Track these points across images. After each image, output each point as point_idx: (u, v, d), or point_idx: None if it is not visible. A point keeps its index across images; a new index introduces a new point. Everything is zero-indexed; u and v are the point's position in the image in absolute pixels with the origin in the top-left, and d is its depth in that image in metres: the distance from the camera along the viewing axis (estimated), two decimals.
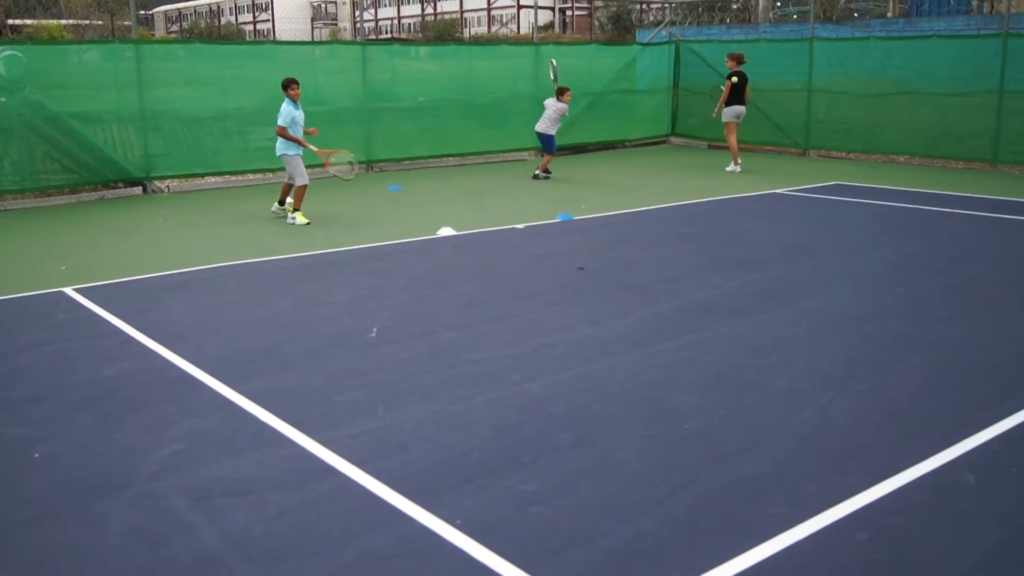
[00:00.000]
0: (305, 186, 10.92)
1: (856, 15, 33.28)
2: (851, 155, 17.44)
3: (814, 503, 3.96)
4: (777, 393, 5.29)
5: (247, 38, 67.09)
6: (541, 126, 14.84)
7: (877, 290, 7.56)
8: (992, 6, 25.73)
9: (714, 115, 15.97)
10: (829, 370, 5.67)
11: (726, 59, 15.96)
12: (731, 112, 15.69)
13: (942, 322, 6.67)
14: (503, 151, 17.69)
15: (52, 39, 28.88)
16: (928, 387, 5.39)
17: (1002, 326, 6.59)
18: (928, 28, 20.37)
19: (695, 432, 4.75)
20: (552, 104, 14.72)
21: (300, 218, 10.83)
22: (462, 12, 75.79)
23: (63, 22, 41.67)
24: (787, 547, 3.62)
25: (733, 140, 15.84)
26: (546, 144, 14.92)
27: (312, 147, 11.14)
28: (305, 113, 11.15)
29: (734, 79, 15.47)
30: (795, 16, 34.68)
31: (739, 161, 15.75)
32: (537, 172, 14.86)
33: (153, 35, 63.93)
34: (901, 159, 16.78)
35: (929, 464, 4.34)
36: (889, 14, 32.00)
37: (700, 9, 37.43)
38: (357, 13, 19.42)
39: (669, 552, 3.59)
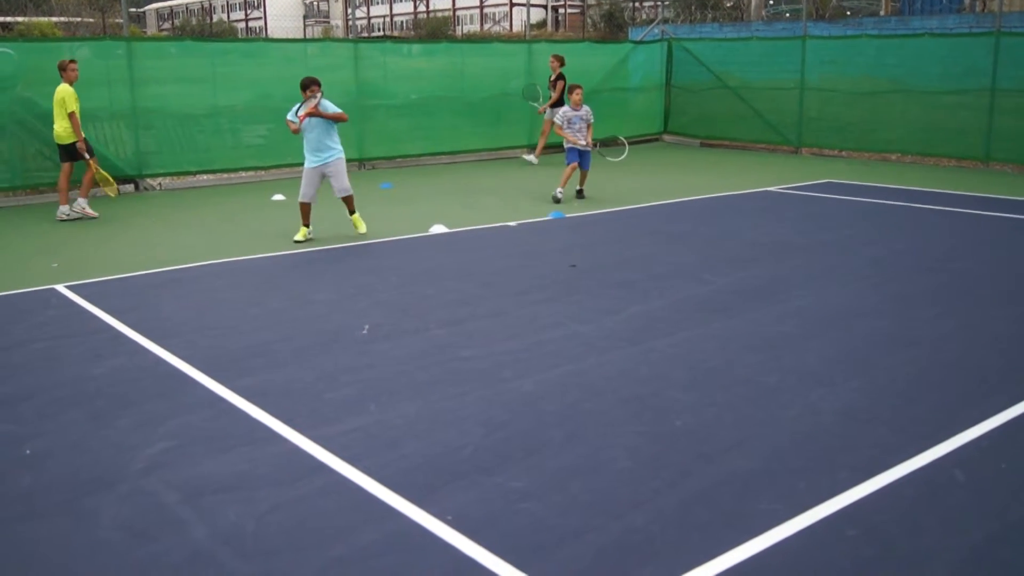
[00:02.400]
0: (302, 203, 9.65)
1: (848, 13, 33.32)
2: (843, 153, 17.48)
3: (804, 499, 3.97)
4: (767, 390, 5.30)
5: (239, 36, 66.91)
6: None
7: (868, 288, 7.58)
8: (984, 5, 25.78)
9: (541, 110, 16.48)
10: (819, 367, 5.69)
11: (553, 60, 16.26)
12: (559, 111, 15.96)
13: (932, 319, 6.70)
14: (495, 149, 17.69)
15: (43, 36, 28.78)
16: (917, 384, 5.41)
17: (991, 323, 6.61)
18: (920, 26, 20.40)
19: (686, 429, 4.76)
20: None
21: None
22: (454, 10, 75.73)
23: (54, 19, 41.51)
24: (777, 543, 3.63)
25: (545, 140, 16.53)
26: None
27: None
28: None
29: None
30: (787, 14, 34.71)
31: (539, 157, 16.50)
32: (557, 191, 12.60)
33: (145, 32, 63.75)
34: (893, 157, 16.81)
35: (918, 461, 4.36)
36: (882, 12, 32.05)
37: (693, 7, 37.44)
38: (349, 10, 19.39)
39: (660, 548, 3.60)
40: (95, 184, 11.42)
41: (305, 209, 9.62)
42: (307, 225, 9.65)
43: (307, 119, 9.49)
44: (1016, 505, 3.95)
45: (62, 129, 11.08)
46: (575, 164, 12.38)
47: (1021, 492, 4.07)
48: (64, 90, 11.02)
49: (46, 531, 3.79)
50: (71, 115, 10.97)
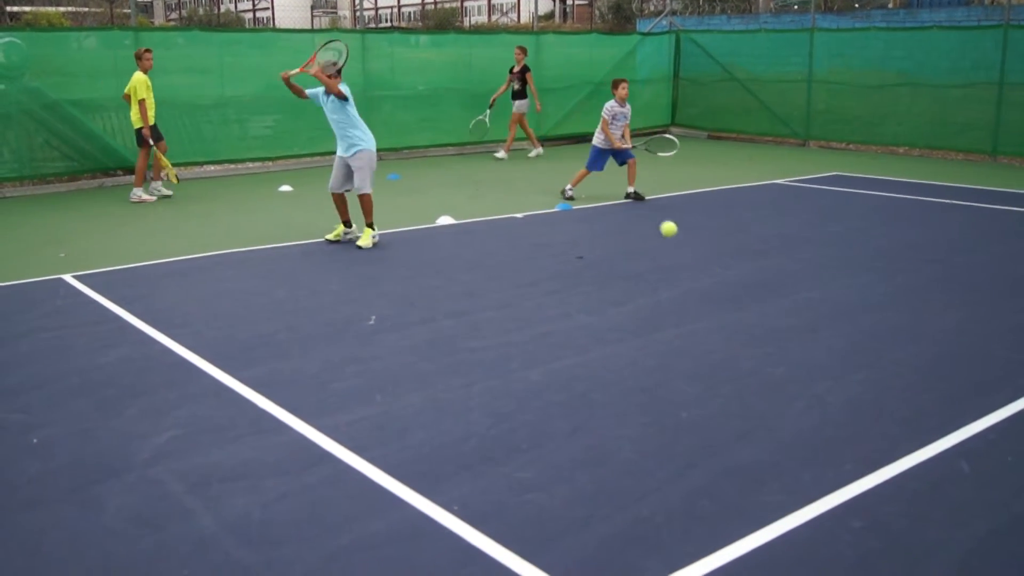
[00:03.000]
0: (332, 194, 9.15)
1: (857, 5, 33.21)
2: (851, 146, 17.42)
3: (810, 491, 3.97)
4: (774, 382, 5.30)
5: (246, 26, 66.90)
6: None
7: (875, 280, 7.57)
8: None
9: (538, 108, 16.40)
10: (826, 360, 5.68)
11: (517, 51, 15.99)
12: (526, 104, 16.09)
13: (939, 312, 6.68)
14: (503, 140, 17.65)
15: (51, 26, 28.81)
16: (924, 376, 5.41)
17: (999, 316, 6.60)
18: (929, 19, 20.35)
19: (692, 420, 4.76)
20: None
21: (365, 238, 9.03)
22: (462, 1, 75.59)
23: (62, 9, 41.56)
24: (783, 535, 3.63)
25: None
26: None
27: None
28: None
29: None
30: (796, 6, 34.60)
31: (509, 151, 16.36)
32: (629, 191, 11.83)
33: (152, 22, 63.74)
34: (901, 150, 16.77)
35: (924, 453, 4.35)
36: (890, 4, 31.95)
37: None
38: (357, 1, 19.36)
39: (665, 539, 3.61)
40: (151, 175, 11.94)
41: (336, 201, 9.07)
42: (345, 223, 9.08)
43: (325, 101, 8.76)
44: (1022, 498, 3.95)
45: (134, 116, 11.56)
46: (589, 172, 11.65)
47: None
48: (136, 78, 11.45)
49: (53, 519, 3.81)
50: (140, 103, 11.43)
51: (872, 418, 4.80)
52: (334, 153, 9.08)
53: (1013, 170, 14.66)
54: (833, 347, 5.92)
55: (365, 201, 8.91)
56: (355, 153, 8.79)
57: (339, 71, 8.66)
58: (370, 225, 8.97)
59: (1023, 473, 4.18)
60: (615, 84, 11.66)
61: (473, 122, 16.08)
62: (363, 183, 8.83)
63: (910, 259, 8.32)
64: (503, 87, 15.98)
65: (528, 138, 16.64)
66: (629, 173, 11.66)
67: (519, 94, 15.92)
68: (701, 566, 3.42)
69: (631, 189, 11.66)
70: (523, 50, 16.01)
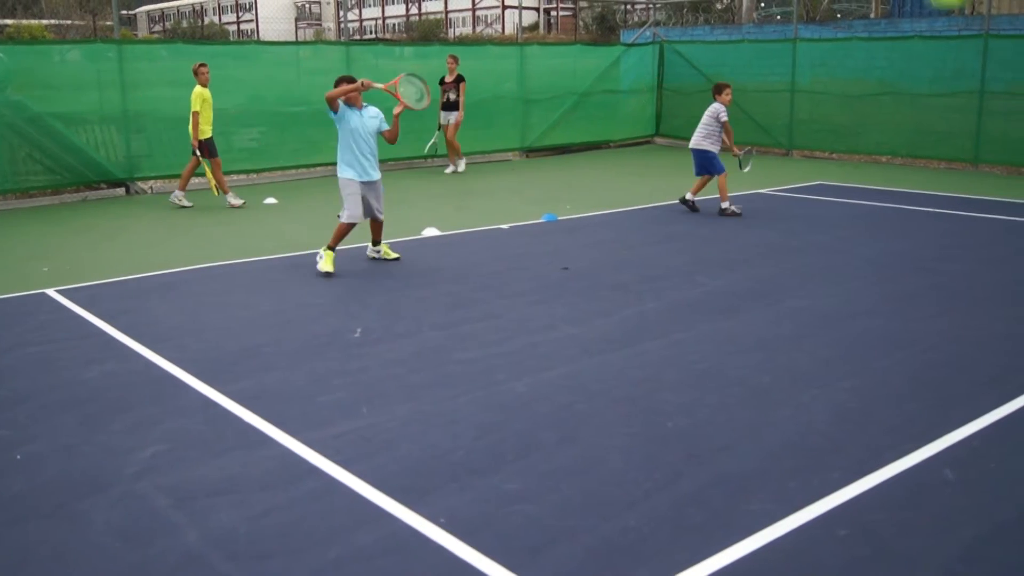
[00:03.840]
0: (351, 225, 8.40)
1: (839, 16, 33.45)
2: (834, 155, 17.52)
3: (796, 499, 3.98)
4: (760, 391, 5.32)
5: (231, 38, 66.84)
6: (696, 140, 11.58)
7: (860, 288, 7.61)
8: (973, 7, 25.89)
9: (459, 120, 15.71)
10: (812, 368, 5.71)
11: (450, 59, 15.56)
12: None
13: (923, 320, 6.72)
14: (488, 152, 17.69)
15: (33, 39, 28.72)
16: (909, 384, 5.43)
17: (983, 324, 6.64)
18: (910, 29, 20.46)
19: (678, 430, 4.77)
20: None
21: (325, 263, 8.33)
22: (447, 12, 75.74)
23: (44, 22, 41.44)
24: (769, 543, 3.64)
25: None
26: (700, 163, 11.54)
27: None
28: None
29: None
30: (778, 17, 34.83)
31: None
32: (687, 197, 11.55)
33: (136, 35, 63.63)
34: (884, 159, 16.87)
35: (909, 460, 4.37)
36: (872, 15, 32.18)
37: (684, 10, 37.53)
38: (341, 13, 19.36)
39: (652, 548, 3.61)
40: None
41: (346, 232, 8.40)
42: (334, 248, 8.35)
43: (362, 122, 8.23)
44: (1006, 504, 3.97)
45: (191, 127, 11.93)
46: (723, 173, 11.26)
47: (1011, 492, 4.09)
48: (194, 92, 11.83)
49: (38, 535, 3.79)
50: (193, 115, 11.82)
51: (858, 426, 4.82)
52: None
53: (995, 178, 14.77)
54: (819, 355, 5.94)
55: (381, 226, 8.79)
56: (377, 180, 8.45)
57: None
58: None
59: (1007, 480, 4.20)
60: (723, 88, 11.37)
61: (427, 147, 15.68)
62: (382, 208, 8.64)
63: (894, 267, 8.37)
64: (439, 99, 15.11)
65: (451, 151, 15.88)
66: (701, 184, 11.43)
67: (454, 105, 15.49)
68: (689, 575, 3.42)
69: (691, 196, 11.44)
70: (455, 59, 15.57)
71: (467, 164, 16.20)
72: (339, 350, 6.13)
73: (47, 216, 11.78)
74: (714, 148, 11.28)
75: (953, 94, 15.83)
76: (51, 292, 7.70)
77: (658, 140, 20.58)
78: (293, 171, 15.23)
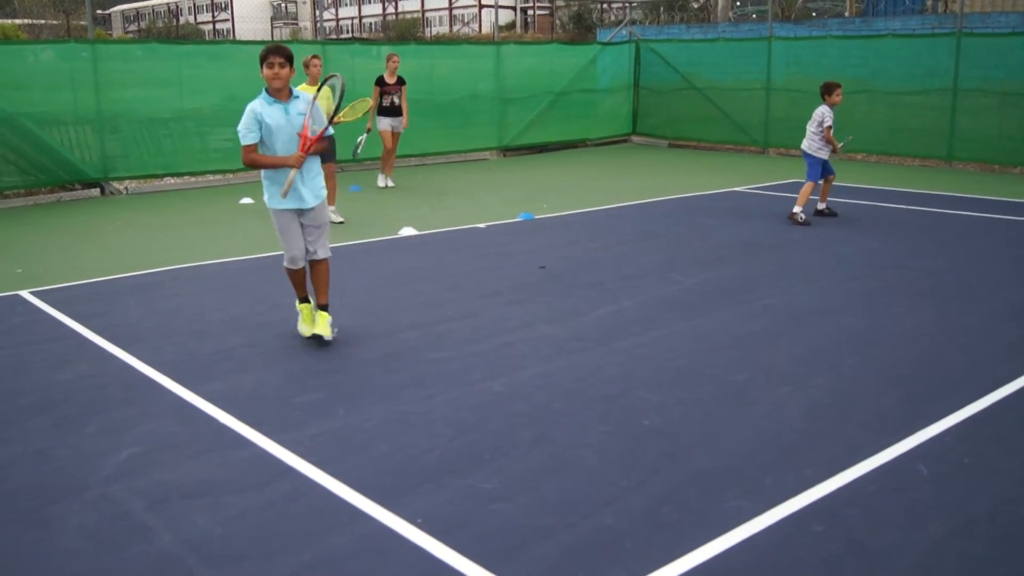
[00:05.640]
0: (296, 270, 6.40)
1: (814, 14, 33.63)
2: None
3: (771, 496, 4.01)
4: (735, 388, 5.34)
5: (206, 38, 66.47)
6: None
7: (834, 286, 7.66)
8: (946, 6, 26.12)
9: (404, 125, 13.81)
10: (786, 365, 5.74)
11: (395, 59, 13.62)
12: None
13: (897, 317, 6.77)
14: (464, 151, 17.69)
15: (6, 39, 28.45)
16: (882, 380, 5.47)
17: (955, 320, 6.70)
18: (884, 27, 20.63)
19: (654, 428, 4.79)
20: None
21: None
22: (423, 12, 75.60)
23: (17, 21, 41.10)
24: (745, 539, 3.66)
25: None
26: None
27: None
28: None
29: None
30: (754, 16, 34.99)
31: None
32: (820, 208, 11.12)
33: (110, 35, 63.17)
34: (859, 157, 16.98)
35: (883, 456, 4.41)
36: (846, 13, 32.37)
37: (660, 9, 37.63)
38: (317, 12, 19.30)
39: (629, 546, 3.62)
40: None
41: (300, 276, 6.36)
42: (306, 298, 6.43)
43: (289, 112, 5.93)
44: (978, 499, 4.01)
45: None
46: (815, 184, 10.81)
47: (983, 486, 4.13)
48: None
49: (11, 540, 3.75)
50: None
51: (832, 423, 4.85)
52: None
53: (968, 175, 14.91)
54: (793, 353, 5.98)
55: (328, 269, 6.40)
56: (319, 204, 6.19)
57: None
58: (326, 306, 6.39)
59: (979, 475, 4.24)
60: (833, 88, 10.65)
61: (358, 148, 12.87)
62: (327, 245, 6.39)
63: (868, 264, 8.42)
64: (373, 102, 12.95)
65: (389, 163, 14.13)
66: (827, 188, 11.02)
67: (397, 110, 13.60)
68: (665, 573, 3.43)
69: (823, 205, 11.04)
70: (396, 58, 13.68)
71: (444, 163, 16.13)
72: (315, 351, 6.10)
73: (21, 217, 11.68)
74: (824, 153, 10.73)
75: (927, 92, 15.97)
76: (25, 294, 7.63)
77: (635, 139, 20.63)
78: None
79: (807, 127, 10.85)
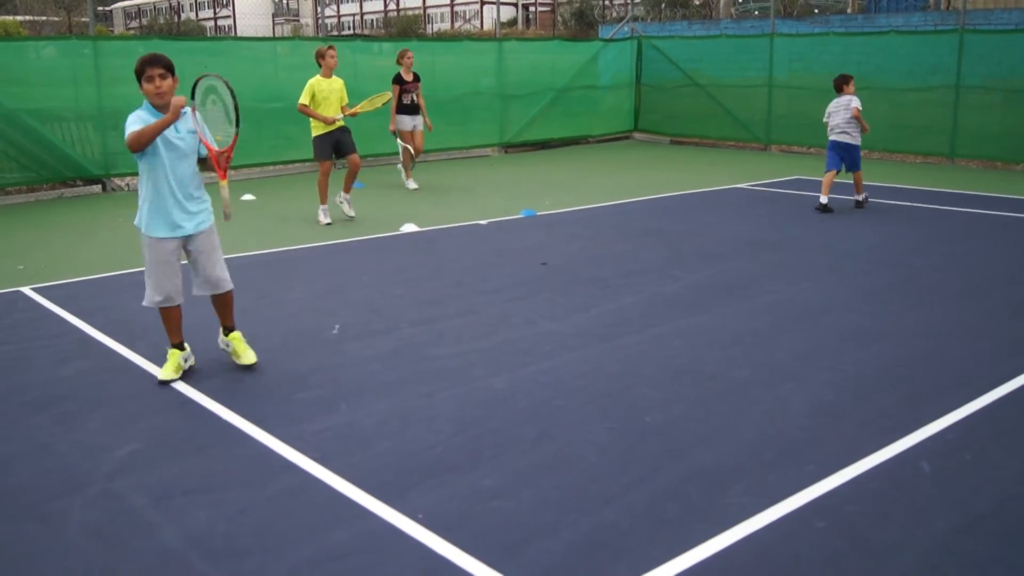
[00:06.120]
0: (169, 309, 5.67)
1: (816, 11, 33.60)
2: (812, 150, 17.60)
3: (773, 492, 4.00)
4: (737, 385, 5.34)
5: (207, 34, 66.45)
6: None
7: (837, 282, 7.65)
8: (948, 2, 26.07)
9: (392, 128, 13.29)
10: (788, 362, 5.73)
11: (410, 56, 13.34)
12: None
13: (899, 314, 6.77)
14: (466, 147, 17.68)
15: (8, 35, 28.45)
16: (885, 377, 5.47)
17: (957, 317, 6.69)
18: (886, 24, 20.60)
19: (656, 425, 4.79)
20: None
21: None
22: (425, 8, 75.58)
23: (19, 18, 41.10)
24: (747, 536, 3.66)
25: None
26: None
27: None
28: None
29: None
30: (756, 12, 34.95)
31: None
32: (859, 198, 11.39)
33: (112, 31, 63.14)
34: (861, 153, 16.94)
35: (885, 453, 4.40)
36: (848, 10, 32.34)
37: (662, 5, 37.58)
38: (319, 9, 19.28)
39: (631, 543, 3.62)
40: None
41: (174, 317, 5.62)
42: (180, 345, 5.61)
43: (173, 140, 5.32)
44: (981, 496, 4.00)
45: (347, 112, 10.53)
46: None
47: (986, 483, 4.13)
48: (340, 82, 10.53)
49: (13, 535, 3.76)
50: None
51: (834, 419, 4.85)
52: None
53: (970, 172, 14.89)
54: (795, 349, 5.97)
55: (231, 299, 5.83)
56: (209, 225, 5.64)
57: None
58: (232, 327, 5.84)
59: (981, 472, 4.24)
60: (849, 79, 11.29)
61: (406, 163, 13.37)
62: (227, 272, 5.78)
63: (871, 261, 8.42)
64: (393, 101, 12.93)
65: (408, 161, 13.61)
66: (857, 180, 11.31)
67: (416, 108, 13.32)
68: (667, 569, 3.43)
69: (858, 195, 11.32)
70: (410, 55, 13.40)
71: (446, 159, 16.13)
72: (317, 347, 6.11)
73: (22, 213, 11.68)
74: (857, 140, 11.13)
75: (929, 89, 15.94)
76: (26, 290, 7.64)
77: (636, 136, 20.61)
78: (271, 167, 15.16)
79: (837, 123, 11.20)
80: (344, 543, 3.65)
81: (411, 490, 4.07)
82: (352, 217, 10.62)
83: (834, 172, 11.11)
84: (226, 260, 5.79)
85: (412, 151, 13.39)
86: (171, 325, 5.58)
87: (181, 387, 5.37)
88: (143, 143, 5.14)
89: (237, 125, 5.55)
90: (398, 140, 13.27)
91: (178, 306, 5.58)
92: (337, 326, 6.52)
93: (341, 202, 10.65)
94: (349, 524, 3.79)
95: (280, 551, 3.59)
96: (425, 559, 3.53)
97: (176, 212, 5.40)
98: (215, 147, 5.46)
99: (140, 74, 5.27)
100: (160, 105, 5.25)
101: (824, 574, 3.42)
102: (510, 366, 5.68)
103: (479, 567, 3.46)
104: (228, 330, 5.79)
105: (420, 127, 13.40)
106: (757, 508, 3.87)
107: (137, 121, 5.20)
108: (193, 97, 5.62)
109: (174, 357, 5.53)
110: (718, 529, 3.70)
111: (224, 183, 5.45)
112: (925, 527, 3.74)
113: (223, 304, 5.74)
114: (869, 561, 3.49)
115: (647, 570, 3.42)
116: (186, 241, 5.50)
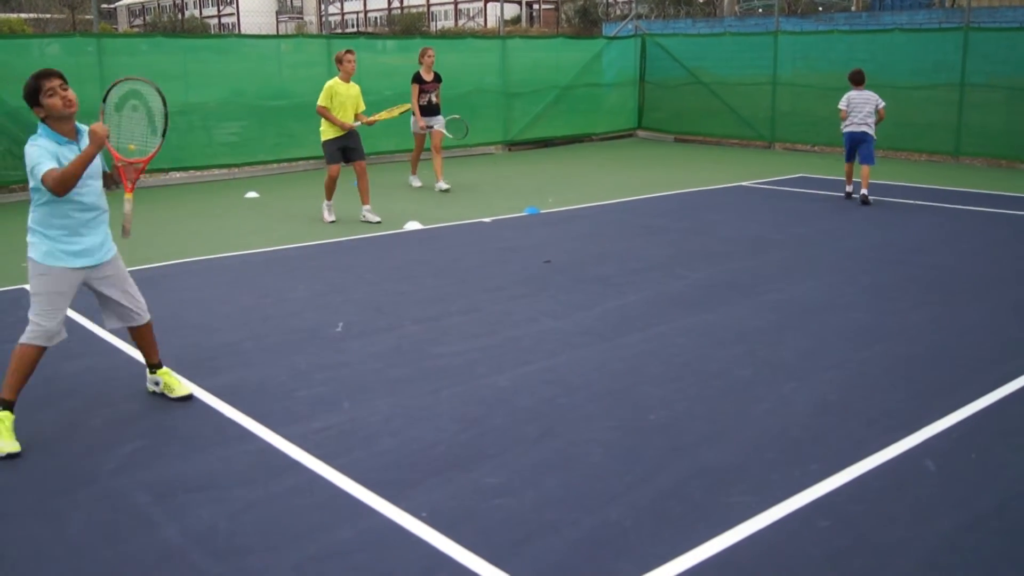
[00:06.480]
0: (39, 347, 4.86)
1: (820, 9, 33.56)
2: (816, 148, 17.58)
3: (777, 491, 4.00)
4: (741, 383, 5.33)
5: (211, 32, 66.49)
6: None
7: (840, 281, 7.63)
8: (953, 0, 26.02)
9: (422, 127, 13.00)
10: (792, 360, 5.72)
11: (430, 54, 13.02)
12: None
13: (903, 312, 6.75)
14: (470, 145, 17.64)
15: (12, 33, 28.48)
16: (889, 376, 5.46)
17: (962, 315, 6.68)
18: (891, 22, 20.58)
19: (659, 423, 4.78)
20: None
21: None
22: (429, 6, 75.58)
23: (24, 16, 41.15)
24: (751, 535, 3.65)
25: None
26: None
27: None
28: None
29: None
30: (760, 10, 34.90)
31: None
32: (866, 192, 11.42)
33: (116, 29, 63.20)
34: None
35: (890, 452, 4.39)
36: (853, 8, 32.30)
37: (666, 3, 37.55)
38: (323, 6, 19.30)
39: (634, 541, 3.61)
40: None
41: (35, 364, 4.81)
42: (14, 403, 4.66)
43: (84, 163, 4.62)
44: (985, 495, 3.99)
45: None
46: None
47: (990, 482, 4.12)
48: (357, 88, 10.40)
49: (16, 532, 3.76)
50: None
51: (838, 418, 4.84)
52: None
53: (975, 170, 14.86)
54: (799, 348, 5.96)
55: (151, 330, 5.24)
56: (114, 254, 5.10)
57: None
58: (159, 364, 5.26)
59: (986, 471, 4.23)
60: (863, 74, 11.64)
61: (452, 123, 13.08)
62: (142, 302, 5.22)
63: (875, 260, 8.40)
64: (414, 101, 12.86)
65: (440, 162, 13.38)
66: (866, 173, 11.43)
67: (437, 108, 13.14)
68: (670, 568, 3.42)
69: (866, 191, 11.39)
70: (432, 53, 13.05)
71: (449, 157, 16.13)
72: (320, 344, 6.10)
73: (26, 211, 11.63)
74: (874, 133, 11.51)
75: (934, 87, 15.90)
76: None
77: (640, 133, 20.58)
78: (275, 165, 15.16)
79: (860, 117, 11.47)
80: (347, 541, 3.64)
81: (414, 488, 4.07)
82: (379, 221, 10.49)
83: (853, 162, 11.47)
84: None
85: (434, 146, 13.17)
86: (27, 372, 4.71)
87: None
88: (70, 185, 4.50)
89: (163, 135, 5.14)
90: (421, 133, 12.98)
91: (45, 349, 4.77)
92: (340, 324, 6.52)
93: (365, 216, 10.54)
94: (352, 522, 3.79)
95: (283, 549, 3.59)
96: (428, 556, 3.52)
97: (83, 239, 4.79)
98: (123, 156, 5.05)
99: (37, 92, 4.71)
100: (65, 118, 4.73)
101: (828, 573, 3.41)
102: (513, 364, 5.68)
103: (482, 565, 3.45)
104: (156, 367, 5.21)
105: (438, 127, 13.10)
106: (760, 507, 3.86)
107: (45, 155, 4.55)
108: (104, 101, 5.26)
109: (8, 420, 4.57)
110: (721, 528, 3.69)
111: (129, 197, 5.00)
112: (929, 525, 3.73)
113: (146, 335, 5.15)
114: (873, 560, 3.48)
115: (650, 568, 3.42)
116: (93, 271, 4.88)
